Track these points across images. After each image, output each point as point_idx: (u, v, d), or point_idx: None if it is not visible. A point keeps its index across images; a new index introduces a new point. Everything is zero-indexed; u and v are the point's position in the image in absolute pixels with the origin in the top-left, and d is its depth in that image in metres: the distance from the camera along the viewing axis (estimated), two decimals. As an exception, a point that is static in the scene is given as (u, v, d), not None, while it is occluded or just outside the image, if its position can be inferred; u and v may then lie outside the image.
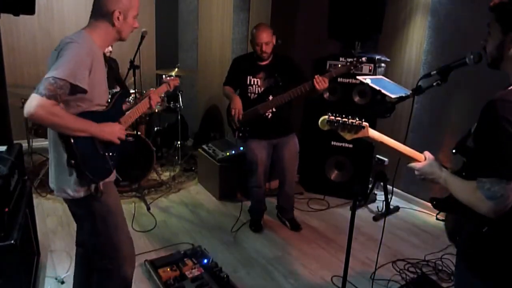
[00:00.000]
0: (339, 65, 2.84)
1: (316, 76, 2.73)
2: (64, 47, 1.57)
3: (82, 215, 1.85)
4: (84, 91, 1.59)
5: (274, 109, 3.02)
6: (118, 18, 1.68)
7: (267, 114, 3.04)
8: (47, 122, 1.52)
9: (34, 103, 1.47)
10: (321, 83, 2.72)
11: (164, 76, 4.23)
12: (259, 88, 3.04)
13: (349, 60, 2.74)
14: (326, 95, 3.87)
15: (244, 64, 3.10)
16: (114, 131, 1.74)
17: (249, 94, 3.06)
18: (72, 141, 1.59)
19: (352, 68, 2.75)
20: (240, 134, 3.09)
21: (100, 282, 1.96)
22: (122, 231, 1.91)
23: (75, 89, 1.56)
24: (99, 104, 1.72)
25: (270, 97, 2.97)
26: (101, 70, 1.71)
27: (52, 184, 1.79)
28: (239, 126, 3.06)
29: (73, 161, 1.60)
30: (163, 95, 4.55)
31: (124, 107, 1.99)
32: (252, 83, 3.05)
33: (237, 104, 2.99)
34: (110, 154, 1.76)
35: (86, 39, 1.64)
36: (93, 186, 1.72)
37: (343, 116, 1.43)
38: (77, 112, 1.61)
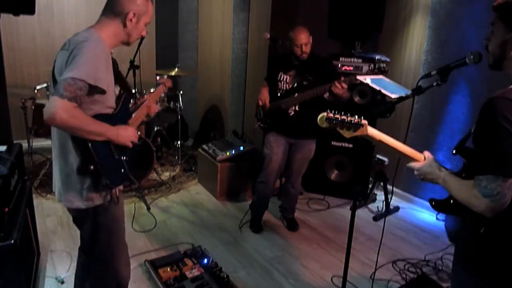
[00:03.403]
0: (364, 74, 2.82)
1: (335, 80, 2.72)
2: (77, 46, 1.48)
3: (86, 224, 1.76)
4: (103, 92, 1.55)
5: (297, 109, 3.01)
6: (131, 19, 1.62)
7: (289, 111, 3.04)
8: (68, 125, 1.44)
9: (54, 105, 1.39)
10: (338, 87, 2.70)
11: (158, 77, 4.24)
12: (287, 85, 3.04)
13: (371, 66, 2.71)
14: (326, 95, 3.86)
15: (280, 60, 3.13)
16: (129, 135, 1.68)
17: (278, 90, 3.08)
18: (90, 145, 1.52)
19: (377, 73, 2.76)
20: (261, 125, 3.20)
21: None
22: (122, 239, 1.88)
23: (92, 91, 1.50)
24: (109, 106, 1.65)
25: (296, 95, 2.97)
26: (111, 70, 1.65)
27: (58, 194, 1.71)
28: (263, 117, 3.15)
29: (92, 167, 1.54)
30: (163, 95, 4.55)
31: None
32: (282, 79, 3.06)
33: (263, 95, 3.08)
34: (124, 158, 1.70)
35: (98, 37, 1.57)
36: (107, 194, 1.67)
37: (342, 113, 1.42)
38: (89, 115, 1.53)
